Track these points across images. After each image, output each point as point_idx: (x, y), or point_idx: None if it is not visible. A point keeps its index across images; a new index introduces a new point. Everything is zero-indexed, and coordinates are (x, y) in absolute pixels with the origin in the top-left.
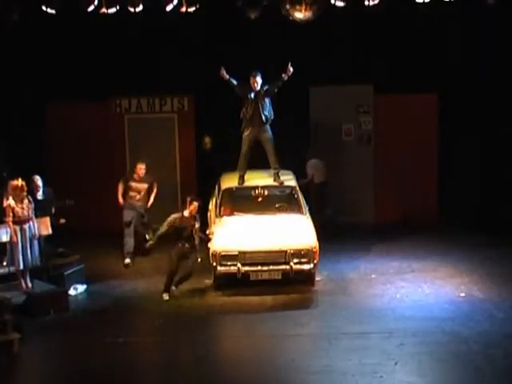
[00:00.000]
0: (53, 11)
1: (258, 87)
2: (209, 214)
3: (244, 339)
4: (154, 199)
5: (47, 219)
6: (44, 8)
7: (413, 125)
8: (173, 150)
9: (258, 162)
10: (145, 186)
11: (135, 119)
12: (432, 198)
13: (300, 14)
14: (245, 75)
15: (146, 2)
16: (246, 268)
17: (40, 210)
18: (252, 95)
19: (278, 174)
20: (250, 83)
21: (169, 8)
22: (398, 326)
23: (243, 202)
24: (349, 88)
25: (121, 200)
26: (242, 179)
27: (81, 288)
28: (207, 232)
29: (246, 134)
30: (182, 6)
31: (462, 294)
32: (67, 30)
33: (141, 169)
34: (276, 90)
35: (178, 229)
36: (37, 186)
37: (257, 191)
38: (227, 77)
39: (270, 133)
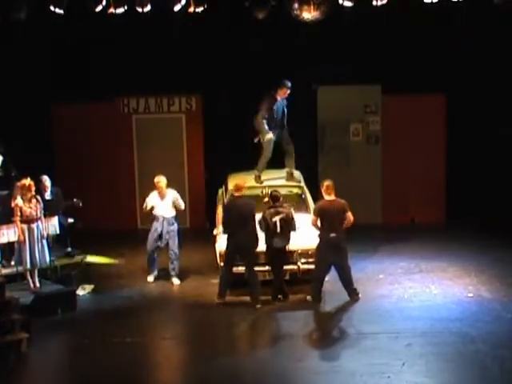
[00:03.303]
0: (61, 11)
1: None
2: (216, 214)
3: (252, 339)
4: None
5: (55, 219)
6: (52, 8)
7: (421, 125)
8: (181, 150)
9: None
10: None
11: (143, 119)
12: (440, 198)
13: (308, 14)
14: (253, 75)
15: (154, 2)
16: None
17: (48, 209)
18: (279, 104)
19: (292, 174)
20: (279, 92)
21: (177, 8)
22: (406, 327)
23: None
24: (357, 88)
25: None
26: (260, 178)
27: (88, 288)
28: (214, 232)
29: (268, 137)
30: (189, 6)
31: (470, 295)
32: (75, 29)
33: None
34: None
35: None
36: (45, 186)
37: (264, 191)
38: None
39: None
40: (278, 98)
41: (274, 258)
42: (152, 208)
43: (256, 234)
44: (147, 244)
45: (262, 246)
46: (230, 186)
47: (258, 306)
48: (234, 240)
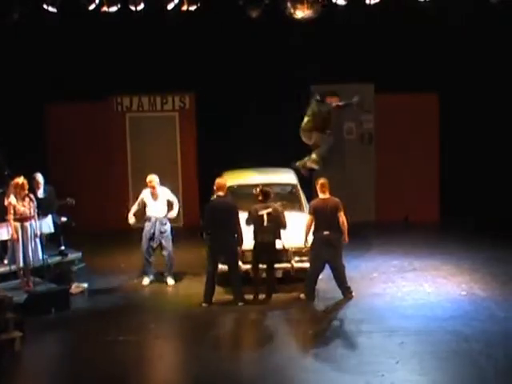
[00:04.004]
0: (54, 9)
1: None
2: None
3: (245, 338)
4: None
5: (49, 217)
6: (45, 6)
7: (414, 124)
8: (174, 149)
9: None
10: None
11: (136, 118)
12: (433, 196)
13: (301, 13)
14: (246, 73)
15: (148, 1)
16: (247, 266)
17: (41, 208)
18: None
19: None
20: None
21: (170, 7)
22: (400, 325)
23: (244, 199)
24: (350, 86)
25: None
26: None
27: (82, 287)
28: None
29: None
30: (183, 5)
31: (464, 293)
32: (68, 28)
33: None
34: None
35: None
36: (38, 183)
37: (258, 189)
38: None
39: None
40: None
41: (261, 253)
42: (139, 209)
43: (240, 234)
44: (141, 246)
45: (248, 244)
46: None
47: (241, 303)
48: (216, 240)
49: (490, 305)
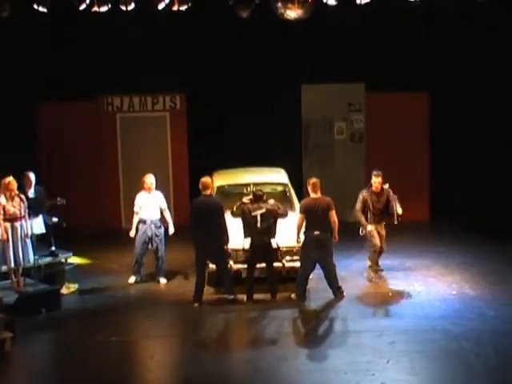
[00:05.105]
0: (44, 9)
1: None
2: None
3: (236, 338)
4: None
5: (39, 218)
6: (35, 6)
7: (404, 123)
8: (165, 149)
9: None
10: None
11: (127, 118)
12: (424, 196)
13: (292, 13)
14: (237, 73)
15: (138, 1)
16: (238, 266)
17: (32, 208)
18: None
19: None
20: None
21: (161, 6)
22: (390, 324)
23: (235, 199)
24: (341, 86)
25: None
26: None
27: (73, 287)
28: None
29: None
30: (173, 5)
31: (454, 292)
32: (59, 28)
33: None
34: None
35: None
36: (29, 182)
37: (249, 188)
38: None
39: None
40: None
41: (257, 255)
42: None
43: (226, 232)
44: (135, 248)
45: (242, 244)
46: (215, 183)
47: (230, 297)
48: (202, 240)
49: (480, 304)
